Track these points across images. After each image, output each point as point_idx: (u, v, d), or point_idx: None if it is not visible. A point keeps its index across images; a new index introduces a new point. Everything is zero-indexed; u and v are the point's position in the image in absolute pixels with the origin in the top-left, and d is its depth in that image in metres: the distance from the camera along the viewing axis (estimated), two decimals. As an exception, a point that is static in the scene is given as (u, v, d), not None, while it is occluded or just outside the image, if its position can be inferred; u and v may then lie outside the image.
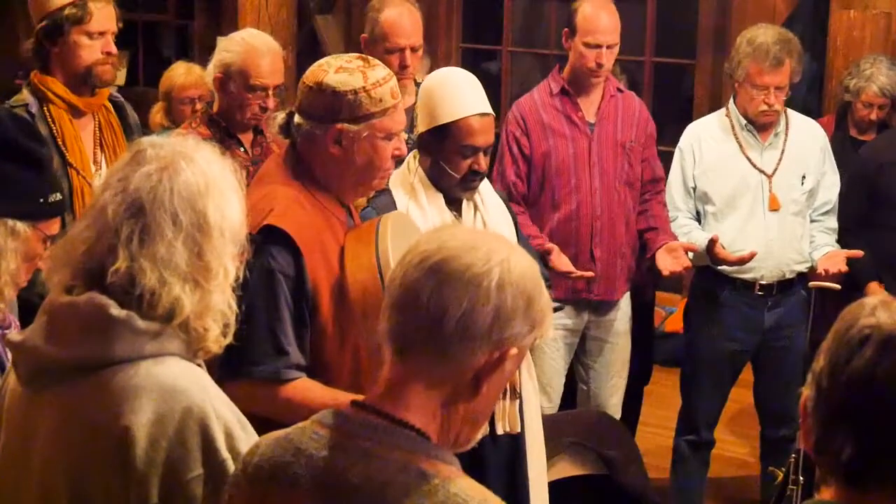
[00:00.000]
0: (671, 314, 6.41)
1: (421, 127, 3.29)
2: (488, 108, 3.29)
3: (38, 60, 3.67)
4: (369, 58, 2.79)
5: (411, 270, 1.68)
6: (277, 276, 2.62)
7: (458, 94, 3.25)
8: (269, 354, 2.63)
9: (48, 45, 3.64)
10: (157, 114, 5.55)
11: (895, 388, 1.50)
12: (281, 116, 2.85)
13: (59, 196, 2.38)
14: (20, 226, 2.31)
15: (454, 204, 3.31)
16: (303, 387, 2.65)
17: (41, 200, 2.34)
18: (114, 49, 3.68)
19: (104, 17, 3.65)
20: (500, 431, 3.19)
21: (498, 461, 3.21)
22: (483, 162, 3.26)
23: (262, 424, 2.01)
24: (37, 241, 2.32)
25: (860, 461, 1.51)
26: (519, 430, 3.24)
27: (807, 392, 1.58)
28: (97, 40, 3.64)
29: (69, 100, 3.63)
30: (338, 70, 2.70)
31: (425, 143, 3.28)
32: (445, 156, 3.24)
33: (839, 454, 1.51)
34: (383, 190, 3.20)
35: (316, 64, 2.77)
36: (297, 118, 2.76)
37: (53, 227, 2.36)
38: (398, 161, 2.89)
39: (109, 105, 3.79)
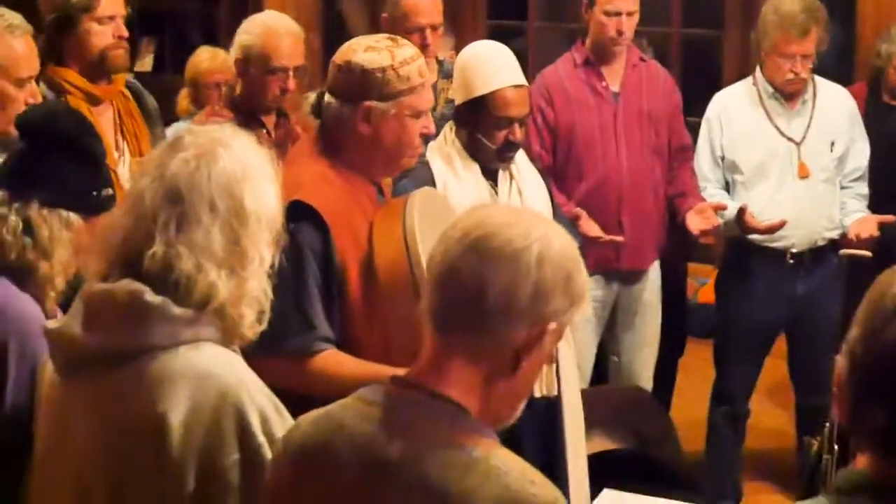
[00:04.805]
0: (703, 285, 6.38)
1: (457, 99, 3.39)
2: (523, 80, 3.39)
3: (52, 54, 3.67)
4: (397, 38, 2.85)
5: (451, 247, 1.70)
6: (305, 251, 2.66)
7: (493, 66, 3.35)
8: (298, 328, 2.66)
9: (60, 38, 3.64)
10: (183, 100, 5.57)
11: None
12: (312, 97, 2.90)
13: (110, 191, 2.43)
14: (74, 217, 2.35)
15: (490, 174, 3.40)
16: (333, 359, 2.69)
17: (94, 194, 2.39)
18: (125, 32, 3.70)
19: (112, 2, 3.67)
20: (537, 394, 3.19)
21: (533, 427, 3.20)
22: (518, 133, 3.37)
23: (295, 401, 2.03)
24: (87, 234, 2.36)
25: (894, 430, 1.50)
26: (556, 392, 3.26)
27: (841, 362, 1.57)
28: (107, 25, 3.65)
29: (86, 89, 3.63)
30: (366, 49, 2.75)
31: (461, 115, 3.38)
32: (482, 128, 3.34)
33: (873, 424, 1.51)
34: (421, 160, 3.25)
35: (346, 44, 2.82)
36: (326, 97, 2.80)
37: None
38: (426, 139, 2.92)
39: (127, 92, 3.80)
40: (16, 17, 3.16)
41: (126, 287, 1.93)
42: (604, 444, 3.89)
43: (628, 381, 4.47)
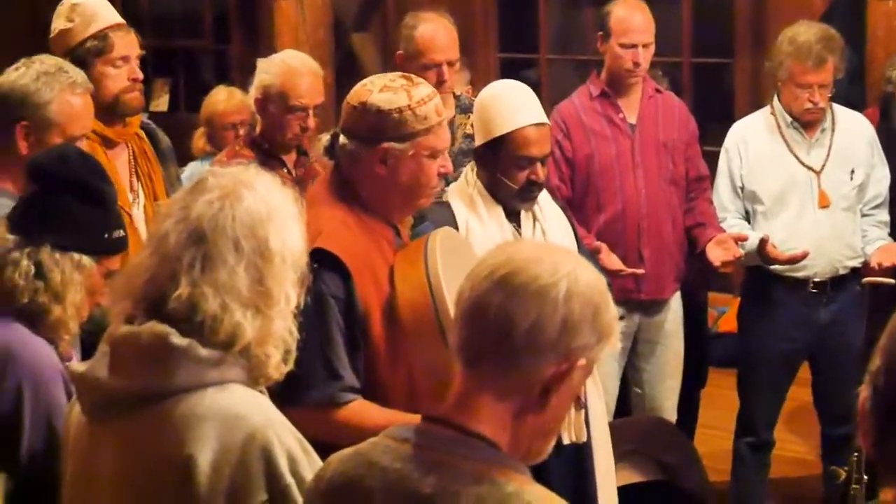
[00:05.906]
0: (723, 314, 6.36)
1: (477, 140, 3.32)
2: (543, 118, 3.31)
3: None
4: (413, 76, 2.80)
5: (479, 284, 1.70)
6: (328, 300, 2.62)
7: (513, 105, 3.27)
8: (323, 379, 2.63)
9: None
10: (199, 139, 5.57)
11: None
12: (325, 138, 2.86)
13: (122, 233, 2.44)
14: (86, 260, 2.36)
15: (513, 215, 3.33)
16: (359, 409, 2.65)
17: (105, 236, 2.40)
18: (140, 75, 3.67)
19: (126, 45, 3.64)
20: (566, 441, 3.18)
21: (562, 471, 3.19)
22: (541, 172, 3.28)
23: (320, 450, 2.01)
24: (99, 276, 2.37)
25: None
26: (585, 439, 3.24)
27: (864, 392, 1.56)
28: (122, 68, 3.62)
29: (101, 132, 3.60)
30: (382, 89, 2.70)
31: (482, 156, 3.30)
32: (503, 168, 3.25)
33: None
34: (442, 203, 3.22)
35: (360, 84, 2.76)
36: (341, 139, 2.75)
37: (115, 262, 2.41)
38: (445, 179, 2.88)
39: (142, 133, 3.78)
40: (79, 75, 3.16)
41: (152, 329, 1.93)
42: (630, 476, 3.88)
43: (651, 412, 4.44)
